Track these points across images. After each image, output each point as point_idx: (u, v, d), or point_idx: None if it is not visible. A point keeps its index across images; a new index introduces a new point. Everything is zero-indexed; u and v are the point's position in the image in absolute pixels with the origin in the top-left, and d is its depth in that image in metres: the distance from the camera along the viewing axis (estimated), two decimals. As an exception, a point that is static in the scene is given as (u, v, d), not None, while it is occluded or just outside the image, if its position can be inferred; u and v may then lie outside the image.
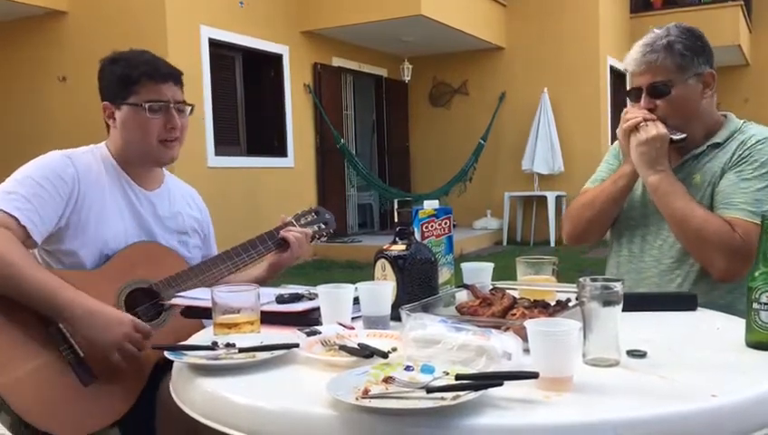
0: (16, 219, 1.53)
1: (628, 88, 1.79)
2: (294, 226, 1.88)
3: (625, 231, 1.86)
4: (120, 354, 1.50)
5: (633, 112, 1.73)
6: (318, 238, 1.95)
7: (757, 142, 1.68)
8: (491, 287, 1.50)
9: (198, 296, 1.52)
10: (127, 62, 1.72)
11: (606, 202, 1.81)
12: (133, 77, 1.68)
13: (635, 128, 1.69)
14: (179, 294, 1.58)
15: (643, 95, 1.72)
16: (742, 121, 1.78)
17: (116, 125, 1.73)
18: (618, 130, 1.78)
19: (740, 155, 1.68)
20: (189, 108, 1.78)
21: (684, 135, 1.70)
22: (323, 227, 1.96)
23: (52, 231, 1.61)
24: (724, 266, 1.59)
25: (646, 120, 1.69)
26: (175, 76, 1.74)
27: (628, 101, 1.82)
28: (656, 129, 1.66)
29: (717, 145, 1.73)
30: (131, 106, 1.69)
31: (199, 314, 1.50)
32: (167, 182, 1.86)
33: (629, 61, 1.74)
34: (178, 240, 1.81)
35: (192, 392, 1.09)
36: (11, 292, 1.47)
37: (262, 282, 1.81)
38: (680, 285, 1.72)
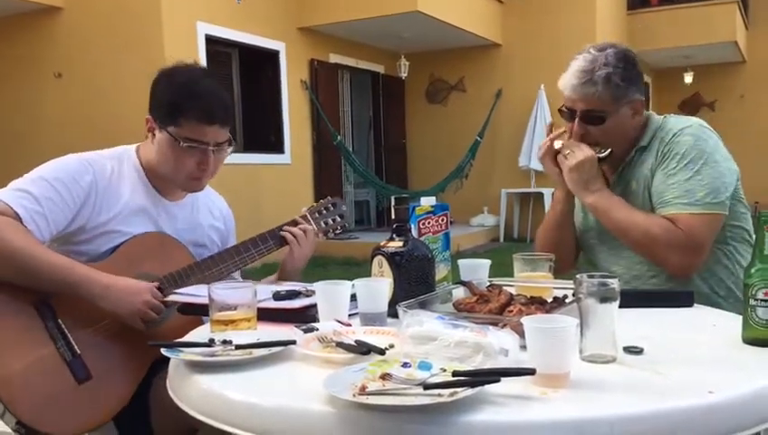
0: (20, 217, 1.51)
1: (562, 106, 1.79)
2: (308, 218, 1.84)
3: (590, 250, 1.91)
4: (143, 321, 1.52)
5: (545, 140, 1.81)
6: (333, 232, 1.89)
7: (674, 136, 1.71)
8: (488, 284, 1.50)
9: (196, 293, 1.52)
10: (182, 87, 1.64)
11: (554, 229, 1.88)
12: (182, 108, 1.62)
13: (563, 155, 1.75)
14: (177, 290, 1.58)
15: (577, 120, 1.74)
16: (662, 118, 1.81)
17: (153, 142, 1.69)
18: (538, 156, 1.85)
19: (662, 152, 1.72)
20: (229, 145, 1.71)
21: (609, 150, 1.75)
22: (339, 220, 1.90)
23: (60, 235, 1.59)
24: (677, 262, 1.64)
25: (555, 142, 1.77)
26: (223, 119, 1.66)
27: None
28: (582, 152, 1.71)
29: (644, 148, 1.77)
30: (170, 136, 1.64)
31: (197, 311, 1.49)
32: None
33: (566, 85, 1.73)
34: (194, 253, 1.77)
35: (189, 389, 1.09)
36: (24, 276, 1.47)
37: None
38: (656, 284, 1.75)
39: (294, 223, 1.82)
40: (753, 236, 1.62)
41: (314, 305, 1.39)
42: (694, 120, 1.75)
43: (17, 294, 1.49)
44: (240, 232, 1.95)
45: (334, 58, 9.17)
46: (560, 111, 1.80)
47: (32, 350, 1.46)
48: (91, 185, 1.62)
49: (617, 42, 1.82)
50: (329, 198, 1.93)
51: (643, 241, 1.66)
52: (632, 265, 1.79)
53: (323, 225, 1.87)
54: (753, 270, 1.18)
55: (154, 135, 1.69)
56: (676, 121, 1.76)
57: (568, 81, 1.73)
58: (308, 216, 1.85)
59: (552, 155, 1.79)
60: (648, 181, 1.73)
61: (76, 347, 1.50)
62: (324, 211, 1.89)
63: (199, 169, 1.67)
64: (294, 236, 1.79)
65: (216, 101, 1.66)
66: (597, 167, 1.73)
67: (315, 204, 1.90)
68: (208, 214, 1.86)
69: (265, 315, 1.38)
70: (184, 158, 1.65)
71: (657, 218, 1.66)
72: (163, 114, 1.65)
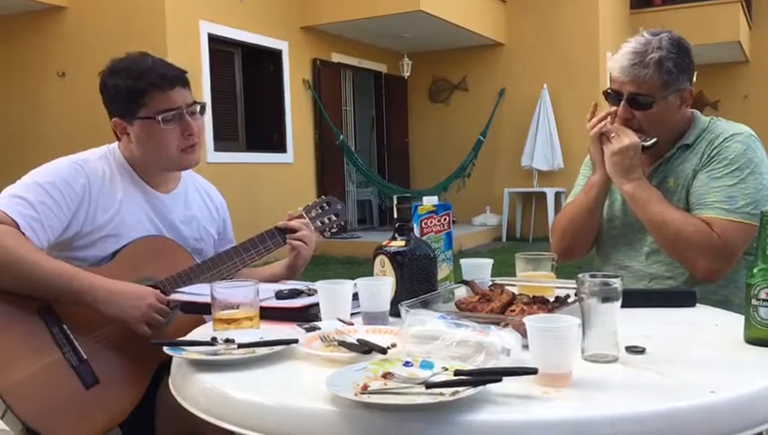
0: (17, 225, 1.50)
1: (607, 88, 1.76)
2: (304, 217, 1.83)
3: (609, 240, 1.87)
4: (148, 325, 1.52)
5: (595, 121, 1.75)
6: (328, 230, 1.88)
7: (724, 140, 1.69)
8: (490, 283, 1.50)
9: (198, 292, 1.52)
10: (128, 72, 1.65)
11: (583, 214, 1.82)
12: (139, 88, 1.62)
13: (607, 138, 1.70)
14: (179, 289, 1.58)
15: (623, 103, 1.71)
16: (709, 119, 1.78)
17: (131, 140, 1.68)
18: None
19: (709, 154, 1.69)
20: (201, 107, 1.72)
21: (654, 139, 1.71)
22: (334, 218, 1.88)
23: (58, 241, 1.59)
24: (705, 266, 1.62)
25: (604, 123, 1.71)
26: (181, 78, 1.68)
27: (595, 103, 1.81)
28: (628, 138, 1.67)
29: (687, 146, 1.74)
30: (144, 120, 1.64)
31: (198, 310, 1.49)
32: (184, 180, 1.82)
33: (616, 66, 1.70)
34: (193, 247, 1.77)
35: (191, 388, 1.09)
36: (26, 284, 1.46)
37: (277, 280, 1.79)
38: (672, 286, 1.73)
39: (290, 226, 1.79)
40: None
41: (316, 304, 1.39)
42: (744, 127, 1.73)
43: (20, 301, 1.48)
44: (242, 231, 1.95)
45: (337, 57, 9.18)
46: (605, 93, 1.76)
47: (39, 356, 1.45)
48: (85, 188, 1.61)
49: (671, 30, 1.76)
50: (323, 197, 1.93)
51: (675, 238, 1.63)
52: (651, 264, 1.77)
53: (319, 224, 1.86)
54: (755, 270, 1.18)
55: (128, 134, 1.68)
56: (727, 126, 1.73)
57: (618, 62, 1.69)
58: (303, 215, 1.84)
59: (599, 137, 1.74)
60: (689, 181, 1.71)
61: (82, 352, 1.50)
62: (319, 210, 1.88)
63: (186, 138, 1.67)
64: (301, 240, 1.78)
65: (164, 67, 1.67)
66: (640, 155, 1.69)
67: (310, 203, 1.89)
68: (201, 204, 1.86)
69: (268, 314, 1.38)
70: (166, 134, 1.65)
71: (694, 219, 1.63)
72: (125, 107, 1.65)
